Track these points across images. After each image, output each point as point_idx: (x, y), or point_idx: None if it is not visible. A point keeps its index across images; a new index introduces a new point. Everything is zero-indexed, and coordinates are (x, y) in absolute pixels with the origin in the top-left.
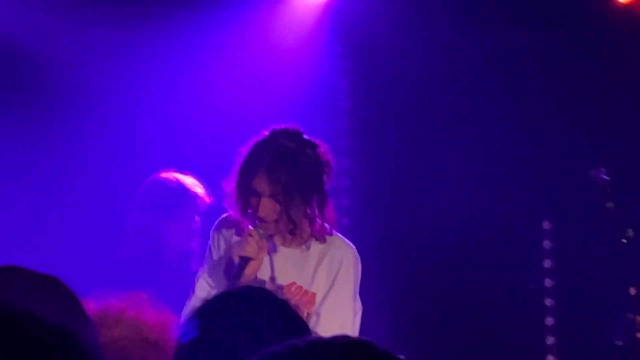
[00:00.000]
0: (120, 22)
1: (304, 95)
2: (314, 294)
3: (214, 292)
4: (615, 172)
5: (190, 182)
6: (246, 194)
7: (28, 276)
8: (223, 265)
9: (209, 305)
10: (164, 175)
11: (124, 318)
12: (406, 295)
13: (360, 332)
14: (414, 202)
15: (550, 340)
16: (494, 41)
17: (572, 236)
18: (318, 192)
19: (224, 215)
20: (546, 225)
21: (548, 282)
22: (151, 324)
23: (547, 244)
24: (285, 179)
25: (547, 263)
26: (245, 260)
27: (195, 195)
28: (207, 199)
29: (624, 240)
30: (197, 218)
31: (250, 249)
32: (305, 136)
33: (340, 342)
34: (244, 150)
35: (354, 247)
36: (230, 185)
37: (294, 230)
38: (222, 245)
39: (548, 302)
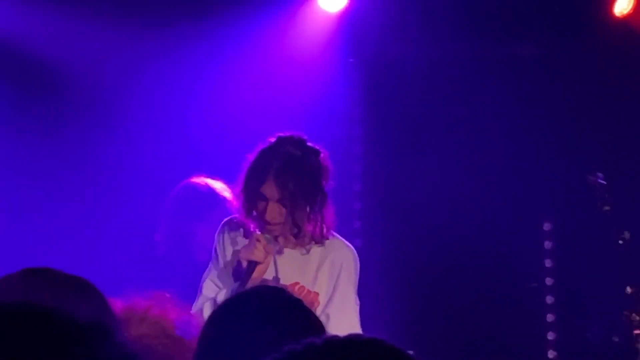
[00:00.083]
0: (140, 33)
1: (318, 104)
2: (317, 294)
3: (222, 292)
4: (612, 176)
5: (219, 187)
6: (254, 198)
7: (60, 277)
8: (232, 267)
9: (227, 304)
10: (195, 180)
11: (149, 316)
12: (414, 293)
13: (369, 329)
14: (421, 204)
15: (551, 335)
16: (498, 50)
17: (571, 237)
18: (320, 196)
19: (227, 218)
20: (547, 226)
21: (549, 281)
22: (175, 321)
23: (547, 244)
24: (293, 185)
25: (548, 262)
26: (253, 264)
27: (224, 199)
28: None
29: (621, 242)
30: None
31: (258, 254)
32: (309, 143)
33: (356, 340)
34: (251, 157)
35: (352, 248)
36: (236, 189)
37: (299, 233)
38: (228, 246)
39: (549, 299)
